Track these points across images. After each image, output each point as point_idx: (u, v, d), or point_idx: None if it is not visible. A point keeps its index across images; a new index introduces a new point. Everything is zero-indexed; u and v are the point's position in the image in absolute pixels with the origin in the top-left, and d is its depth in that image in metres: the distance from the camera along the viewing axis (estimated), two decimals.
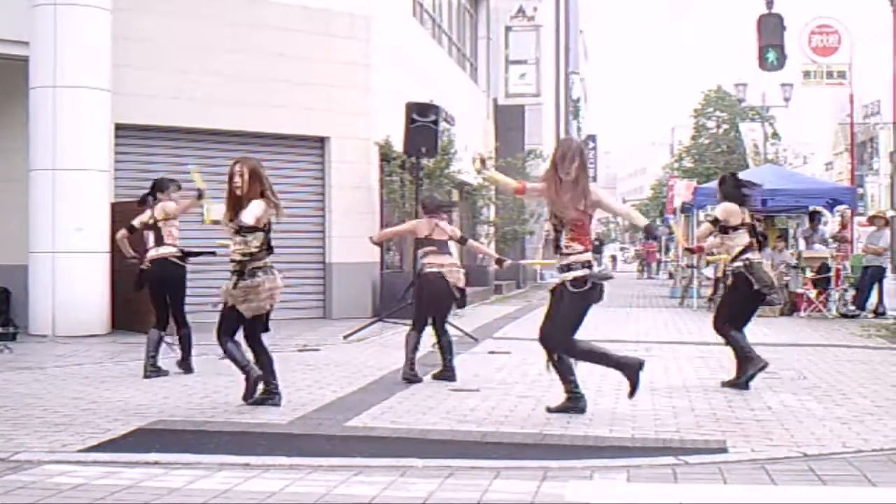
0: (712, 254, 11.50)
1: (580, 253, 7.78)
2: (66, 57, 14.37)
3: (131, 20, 15.64)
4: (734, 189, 10.04)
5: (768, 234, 22.05)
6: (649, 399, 8.98)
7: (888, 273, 19.45)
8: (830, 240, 20.88)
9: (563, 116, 46.59)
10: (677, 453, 6.62)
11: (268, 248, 8.70)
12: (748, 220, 9.94)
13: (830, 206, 21.49)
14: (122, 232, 10.81)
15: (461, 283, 10.07)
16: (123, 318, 14.52)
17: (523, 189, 8.35)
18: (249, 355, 8.51)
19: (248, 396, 8.33)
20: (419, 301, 10.15)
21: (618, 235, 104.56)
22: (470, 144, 23.76)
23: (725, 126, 56.66)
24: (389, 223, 20.57)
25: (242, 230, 8.42)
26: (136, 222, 10.61)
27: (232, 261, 8.53)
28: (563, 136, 47.00)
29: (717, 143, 56.44)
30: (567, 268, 7.80)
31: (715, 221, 9.82)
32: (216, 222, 8.87)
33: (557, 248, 7.87)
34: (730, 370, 10.06)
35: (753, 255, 9.86)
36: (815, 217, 21.46)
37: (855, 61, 29.17)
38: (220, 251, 9.89)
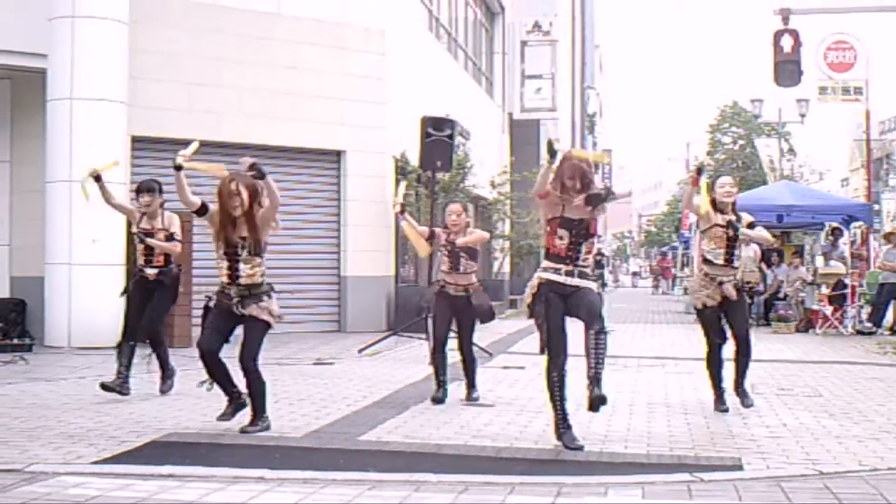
0: None
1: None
2: (83, 69, 14.44)
3: (147, 33, 15.71)
4: None
5: (784, 251, 22.14)
6: (664, 416, 8.97)
7: None
8: (848, 257, 20.80)
9: (579, 131, 46.63)
10: (692, 470, 6.60)
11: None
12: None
13: (846, 223, 21.41)
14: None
15: None
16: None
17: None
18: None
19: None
20: None
21: (633, 251, 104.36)
22: (485, 159, 23.79)
23: (741, 142, 56.66)
24: (405, 237, 20.59)
25: (255, 249, 7.95)
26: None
27: (237, 286, 7.97)
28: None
29: (733, 159, 56.45)
30: None
31: None
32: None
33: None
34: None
35: None
36: (835, 232, 21.39)
37: (871, 77, 29.11)
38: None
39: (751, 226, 9.45)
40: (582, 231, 7.53)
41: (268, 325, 7.98)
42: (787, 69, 17.73)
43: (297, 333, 16.86)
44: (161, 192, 10.28)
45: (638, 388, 10.88)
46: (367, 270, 18.07)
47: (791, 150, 50.86)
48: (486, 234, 10.06)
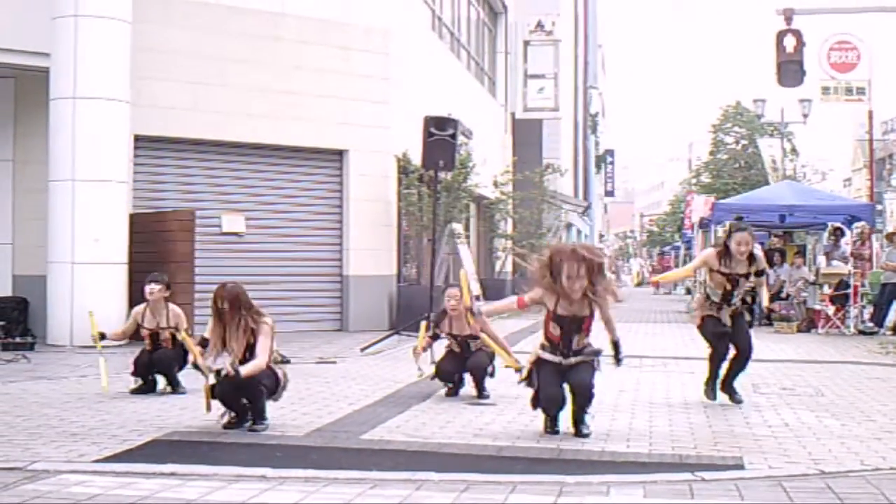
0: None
1: None
2: (86, 68, 14.45)
3: (151, 32, 15.72)
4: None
5: (786, 251, 22.12)
6: (666, 415, 8.97)
7: None
8: (850, 257, 20.78)
9: (582, 131, 46.60)
10: (694, 469, 6.60)
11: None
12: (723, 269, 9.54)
13: (849, 223, 21.39)
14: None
15: None
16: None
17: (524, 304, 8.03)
18: None
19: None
20: None
21: (635, 250, 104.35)
22: (488, 158, 23.78)
23: (744, 142, 56.59)
24: (408, 236, 20.62)
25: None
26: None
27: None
28: (580, 150, 46.97)
29: (736, 159, 56.36)
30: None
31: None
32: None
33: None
34: (745, 386, 10.04)
35: None
36: (837, 232, 21.36)
37: (874, 77, 29.07)
38: None
39: (760, 273, 9.50)
40: (574, 326, 7.71)
41: (276, 376, 8.13)
42: (790, 69, 17.71)
43: (300, 332, 16.86)
44: (169, 287, 10.31)
45: (640, 387, 10.88)
46: (370, 270, 18.07)
47: (794, 150, 50.78)
48: (488, 323, 9.90)
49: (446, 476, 6.31)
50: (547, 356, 7.79)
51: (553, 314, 7.70)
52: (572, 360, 7.76)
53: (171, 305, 10.23)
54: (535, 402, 7.94)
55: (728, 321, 9.50)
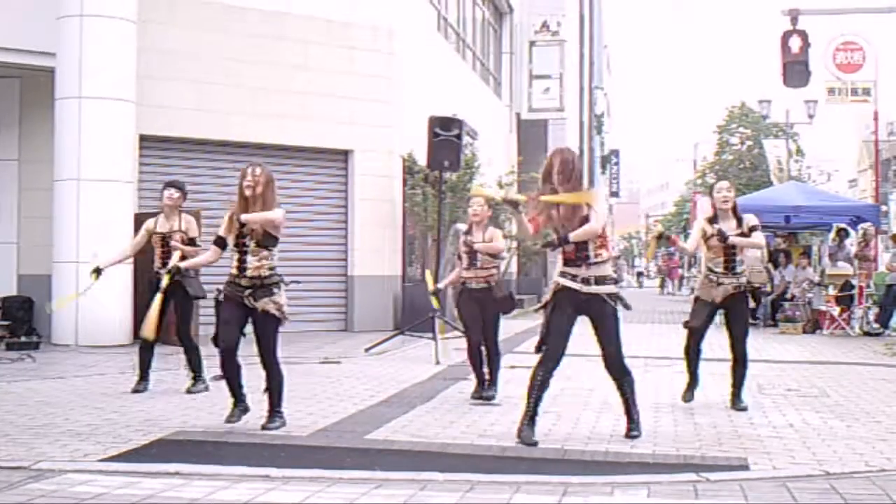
0: None
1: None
2: (91, 68, 14.47)
3: (156, 32, 15.74)
4: None
5: (791, 251, 22.09)
6: (671, 415, 8.96)
7: None
8: (854, 258, 20.74)
9: (587, 131, 46.52)
10: (698, 470, 6.59)
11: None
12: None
13: (854, 224, 21.35)
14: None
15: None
16: None
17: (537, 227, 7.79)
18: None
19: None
20: None
21: (640, 250, 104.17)
22: (493, 158, 23.75)
23: (749, 142, 56.51)
24: (413, 236, 20.60)
25: (267, 241, 7.91)
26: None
27: (248, 277, 7.87)
28: (586, 150, 46.90)
29: (741, 160, 56.26)
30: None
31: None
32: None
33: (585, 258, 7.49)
34: (749, 387, 10.03)
35: None
36: (841, 233, 21.33)
37: (880, 78, 29.03)
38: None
39: (752, 229, 9.29)
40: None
41: (278, 320, 7.94)
42: (796, 70, 17.70)
43: (305, 332, 16.87)
44: (186, 196, 10.46)
45: (644, 388, 10.81)
46: (375, 270, 18.07)
47: (799, 151, 50.67)
48: (502, 246, 9.96)
49: (451, 476, 6.31)
50: (566, 282, 7.45)
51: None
52: (594, 287, 7.40)
53: (184, 214, 10.35)
54: (539, 346, 7.69)
55: (729, 290, 9.28)
